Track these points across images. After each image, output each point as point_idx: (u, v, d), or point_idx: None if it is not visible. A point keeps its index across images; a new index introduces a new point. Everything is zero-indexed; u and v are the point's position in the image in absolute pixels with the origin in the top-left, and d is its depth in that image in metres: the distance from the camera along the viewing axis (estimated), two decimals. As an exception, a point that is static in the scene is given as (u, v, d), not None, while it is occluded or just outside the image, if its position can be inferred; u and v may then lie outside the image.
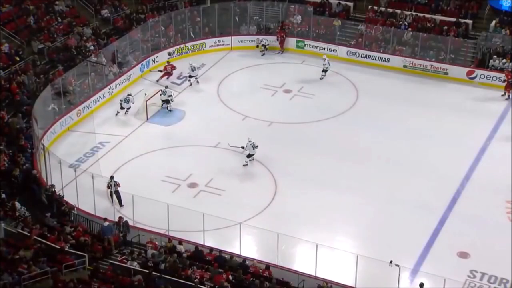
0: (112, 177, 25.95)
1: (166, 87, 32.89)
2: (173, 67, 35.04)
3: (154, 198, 24.58)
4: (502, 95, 33.64)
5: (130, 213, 24.74)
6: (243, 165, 28.43)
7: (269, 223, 24.74)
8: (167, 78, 34.91)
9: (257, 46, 37.98)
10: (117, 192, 25.78)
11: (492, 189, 27.02)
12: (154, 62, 36.38)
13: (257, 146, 28.26)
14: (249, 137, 28.31)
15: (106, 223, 23.47)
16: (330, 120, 32.02)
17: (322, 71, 35.15)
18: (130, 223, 24.41)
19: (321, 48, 37.83)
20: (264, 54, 37.87)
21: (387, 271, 21.43)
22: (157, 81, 34.70)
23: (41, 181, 26.17)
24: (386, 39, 37.43)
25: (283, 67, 37.22)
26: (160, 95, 32.49)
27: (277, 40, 38.06)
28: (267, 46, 37.99)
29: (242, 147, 28.38)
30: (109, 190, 25.87)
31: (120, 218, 24.07)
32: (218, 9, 38.36)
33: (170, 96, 32.34)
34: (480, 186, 27.32)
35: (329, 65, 34.92)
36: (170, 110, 32.30)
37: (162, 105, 32.45)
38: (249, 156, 28.38)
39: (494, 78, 34.70)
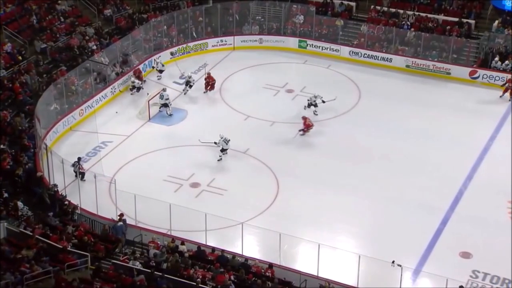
0: (79, 159, 26.96)
1: (164, 90, 32.45)
2: (139, 72, 34.48)
3: (156, 197, 24.59)
4: (501, 96, 33.59)
5: (132, 213, 24.75)
6: (218, 160, 28.74)
7: (271, 223, 24.76)
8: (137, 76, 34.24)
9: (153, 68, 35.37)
10: (79, 172, 26.86)
11: (494, 189, 26.99)
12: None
13: (229, 140, 28.64)
14: (221, 133, 28.74)
15: (120, 223, 23.49)
16: (332, 120, 32.01)
17: None
18: (132, 222, 24.45)
19: (324, 48, 37.84)
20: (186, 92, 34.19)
21: (389, 271, 21.42)
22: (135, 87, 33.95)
23: (43, 180, 26.20)
24: (388, 39, 37.41)
25: (285, 67, 37.22)
26: (158, 99, 32.19)
27: (207, 84, 34.09)
28: (191, 84, 34.02)
29: (215, 143, 28.73)
30: (72, 168, 26.70)
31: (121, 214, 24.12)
32: (220, 9, 38.38)
33: (167, 99, 32.05)
34: (482, 186, 27.28)
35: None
36: (171, 115, 32.05)
37: (160, 108, 32.10)
38: (222, 150, 28.69)
39: (497, 78, 34.68)
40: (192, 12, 38.58)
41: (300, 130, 30.42)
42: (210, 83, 34.10)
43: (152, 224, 24.71)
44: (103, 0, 38.64)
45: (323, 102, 31.82)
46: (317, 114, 31.70)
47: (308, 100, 32.05)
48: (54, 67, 33.50)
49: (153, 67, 35.41)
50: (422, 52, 36.49)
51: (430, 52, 36.50)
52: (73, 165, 26.95)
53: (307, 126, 30.36)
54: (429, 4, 38.86)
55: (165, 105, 32.08)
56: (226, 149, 28.71)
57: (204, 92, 34.02)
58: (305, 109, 31.99)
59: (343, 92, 34.43)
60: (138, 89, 33.83)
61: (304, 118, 30.51)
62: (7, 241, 21.68)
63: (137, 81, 33.89)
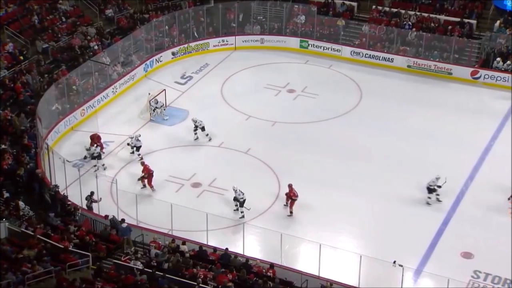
0: (92, 193, 25.25)
1: (157, 101, 31.94)
2: (99, 139, 29.21)
3: (157, 197, 24.58)
4: None
5: (134, 213, 24.76)
6: (240, 218, 25.31)
7: (273, 223, 24.77)
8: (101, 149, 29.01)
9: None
10: (90, 208, 25.16)
11: (496, 189, 26.95)
12: (158, 62, 36.40)
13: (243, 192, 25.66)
14: (233, 186, 25.76)
15: (125, 225, 23.49)
16: (334, 120, 32.01)
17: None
18: (134, 222, 24.45)
19: (325, 48, 37.83)
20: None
21: (391, 271, 21.43)
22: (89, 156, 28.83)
23: (45, 180, 26.21)
24: (390, 39, 37.39)
25: (286, 67, 37.21)
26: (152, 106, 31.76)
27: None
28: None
29: (237, 204, 25.56)
30: (86, 202, 25.28)
31: (107, 216, 24.18)
32: (222, 9, 38.38)
33: (158, 107, 31.81)
34: (484, 186, 27.26)
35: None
36: (166, 118, 31.80)
37: (154, 110, 31.68)
38: (242, 204, 25.54)
39: (498, 78, 34.67)
40: (194, 12, 38.57)
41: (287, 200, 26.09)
42: (145, 176, 27.26)
43: (153, 224, 24.73)
44: (105, 0, 38.67)
45: (439, 187, 26.44)
46: (440, 201, 26.60)
47: (430, 185, 26.39)
48: (56, 67, 33.53)
49: (196, 127, 30.22)
50: (424, 52, 36.48)
51: (431, 52, 36.49)
52: (86, 198, 25.37)
53: (293, 195, 25.81)
54: (430, 4, 38.84)
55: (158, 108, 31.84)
56: (245, 200, 25.60)
57: (142, 188, 27.15)
58: (430, 198, 26.49)
59: (345, 92, 34.45)
60: (98, 156, 28.37)
61: (290, 186, 26.02)
62: (8, 241, 21.71)
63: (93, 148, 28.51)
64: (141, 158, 28.34)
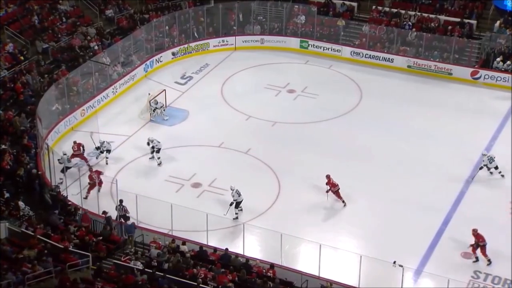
0: (121, 201, 24.73)
1: (157, 102, 31.93)
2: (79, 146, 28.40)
3: (157, 198, 24.60)
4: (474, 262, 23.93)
5: (134, 213, 24.76)
6: (234, 219, 25.34)
7: (273, 223, 24.76)
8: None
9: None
10: (124, 216, 24.58)
11: (495, 189, 26.95)
12: (158, 62, 36.42)
13: (241, 194, 25.53)
14: (231, 185, 25.74)
15: (130, 222, 23.48)
16: (334, 120, 32.01)
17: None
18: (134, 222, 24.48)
19: (325, 48, 37.84)
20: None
21: (391, 271, 21.43)
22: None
23: (45, 180, 26.21)
24: (390, 39, 37.39)
25: (287, 67, 37.21)
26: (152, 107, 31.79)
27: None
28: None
29: (231, 203, 25.50)
30: (117, 213, 24.69)
31: (105, 212, 24.14)
32: (222, 9, 38.39)
33: (158, 107, 31.80)
34: (484, 186, 27.25)
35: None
36: (166, 118, 31.82)
37: (154, 110, 31.76)
38: (237, 205, 25.52)
39: (498, 79, 34.67)
40: (194, 12, 38.58)
41: (327, 191, 26.33)
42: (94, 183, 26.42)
43: (153, 224, 24.74)
44: (105, 0, 38.69)
45: (494, 160, 27.59)
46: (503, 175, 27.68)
47: (489, 167, 27.61)
48: (56, 67, 33.54)
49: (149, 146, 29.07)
50: (424, 53, 36.48)
51: (431, 52, 36.49)
52: (116, 208, 24.67)
53: (332, 186, 26.18)
54: (430, 4, 38.84)
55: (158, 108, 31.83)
56: (241, 202, 25.58)
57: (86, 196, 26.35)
58: (501, 172, 27.67)
59: (345, 93, 34.46)
60: (67, 168, 27.14)
61: (328, 177, 26.30)
62: (8, 241, 21.72)
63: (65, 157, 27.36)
64: (107, 163, 28.50)
